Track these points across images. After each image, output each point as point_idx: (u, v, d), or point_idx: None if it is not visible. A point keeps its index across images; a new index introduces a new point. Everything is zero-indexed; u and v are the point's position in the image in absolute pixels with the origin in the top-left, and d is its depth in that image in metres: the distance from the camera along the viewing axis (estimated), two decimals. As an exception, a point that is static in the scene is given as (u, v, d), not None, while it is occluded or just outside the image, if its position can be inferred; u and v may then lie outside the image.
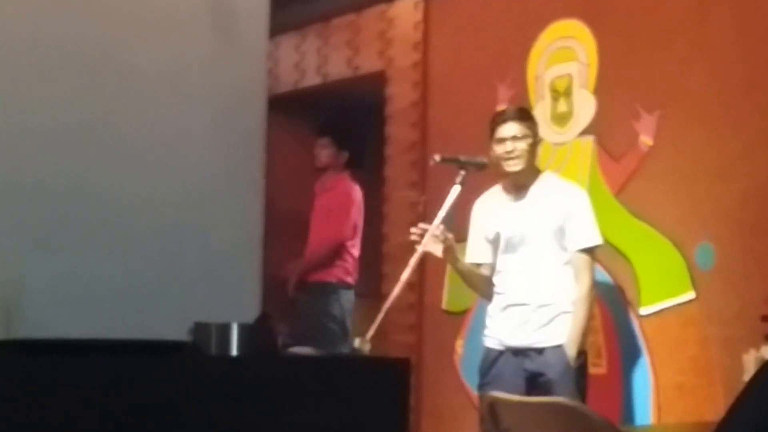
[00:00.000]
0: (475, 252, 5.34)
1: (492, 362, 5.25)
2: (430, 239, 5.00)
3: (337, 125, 7.67)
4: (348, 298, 7.46)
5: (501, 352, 5.21)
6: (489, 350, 5.27)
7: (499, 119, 5.23)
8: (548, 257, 5.10)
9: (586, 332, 5.09)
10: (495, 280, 5.26)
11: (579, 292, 5.04)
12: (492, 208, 5.30)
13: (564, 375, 4.99)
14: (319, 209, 7.41)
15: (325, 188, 7.55)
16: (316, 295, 7.23)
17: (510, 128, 5.15)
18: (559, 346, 5.02)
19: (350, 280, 7.50)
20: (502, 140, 5.15)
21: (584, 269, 5.07)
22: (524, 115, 5.26)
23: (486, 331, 5.30)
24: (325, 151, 7.56)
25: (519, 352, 5.14)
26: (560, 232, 5.08)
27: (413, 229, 5.01)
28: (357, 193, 7.54)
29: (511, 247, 5.20)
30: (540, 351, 5.08)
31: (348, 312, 7.46)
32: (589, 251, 5.10)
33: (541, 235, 5.12)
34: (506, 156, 5.13)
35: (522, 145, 5.13)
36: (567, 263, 5.09)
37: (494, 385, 5.09)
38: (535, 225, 5.14)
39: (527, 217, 5.17)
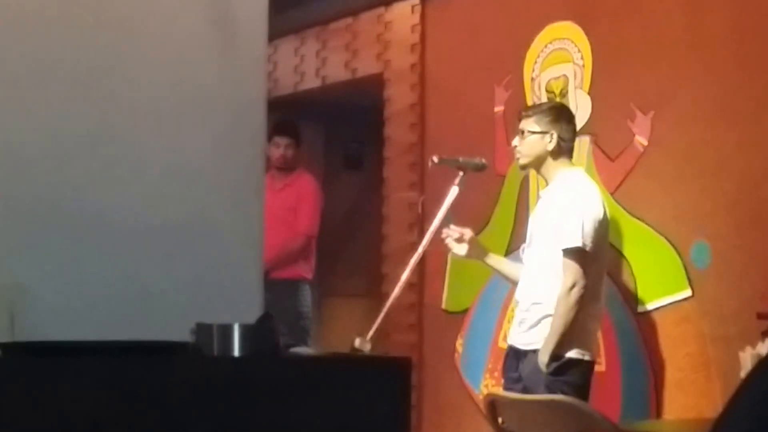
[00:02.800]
0: None
1: (504, 359, 5.29)
2: (452, 241, 5.11)
3: (292, 125, 7.79)
4: (309, 294, 7.56)
5: (509, 350, 5.25)
6: (507, 346, 5.32)
7: (519, 114, 5.33)
8: (546, 256, 5.09)
9: (576, 336, 4.99)
10: None
11: (558, 295, 4.98)
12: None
13: (535, 382, 4.95)
14: (275, 205, 7.34)
15: (284, 184, 7.64)
16: (281, 294, 7.10)
17: (522, 123, 5.22)
18: (536, 352, 4.98)
19: (311, 276, 7.60)
20: (519, 133, 5.23)
21: (565, 270, 4.98)
22: (546, 112, 5.26)
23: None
24: (289, 151, 7.71)
25: (516, 352, 5.16)
26: (555, 231, 5.06)
27: (445, 233, 5.10)
28: (318, 188, 7.78)
29: (529, 242, 5.25)
30: (525, 353, 5.08)
31: (311, 308, 7.59)
32: (572, 253, 4.99)
33: (542, 233, 5.13)
34: (515, 149, 5.24)
35: (525, 141, 5.17)
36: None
37: (505, 382, 5.16)
38: (541, 221, 5.16)
39: (539, 212, 5.21)
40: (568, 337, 4.96)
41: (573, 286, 4.95)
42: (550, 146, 5.16)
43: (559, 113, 5.30)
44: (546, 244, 5.09)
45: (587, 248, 5.00)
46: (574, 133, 5.31)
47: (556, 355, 4.95)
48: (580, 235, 4.99)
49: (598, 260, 5.11)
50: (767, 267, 5.10)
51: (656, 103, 5.63)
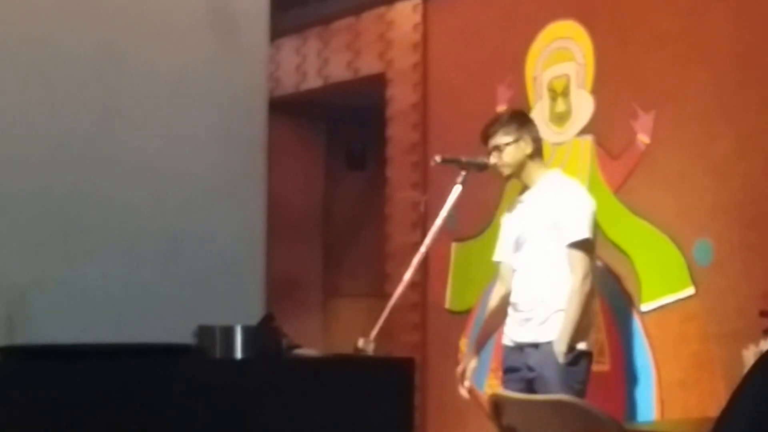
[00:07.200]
0: (498, 251, 5.46)
1: (504, 359, 5.32)
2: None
3: None
4: None
5: (511, 349, 5.27)
6: (504, 347, 5.36)
7: (483, 134, 5.36)
8: (546, 254, 5.14)
9: (584, 329, 5.07)
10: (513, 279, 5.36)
11: (570, 288, 5.06)
12: (510, 209, 5.42)
13: (552, 372, 5.01)
14: None
15: None
16: None
17: (492, 141, 5.29)
18: (550, 343, 5.05)
19: None
20: (490, 152, 5.29)
21: (575, 264, 5.07)
22: (509, 121, 5.34)
23: (504, 329, 5.36)
24: None
25: (522, 350, 5.19)
26: (556, 229, 5.12)
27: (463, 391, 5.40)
28: None
29: (518, 246, 5.29)
30: (536, 348, 5.12)
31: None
32: (581, 246, 5.08)
33: (539, 232, 5.18)
34: (495, 165, 5.27)
35: (504, 153, 5.24)
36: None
37: (507, 382, 5.22)
38: (534, 223, 5.21)
39: (528, 215, 5.25)
40: (578, 328, 5.05)
41: (585, 277, 5.06)
42: (528, 149, 5.27)
43: (521, 118, 5.43)
44: (544, 243, 5.15)
45: (592, 239, 5.13)
46: (538, 131, 5.39)
47: (570, 346, 5.03)
48: (586, 227, 5.10)
49: (594, 254, 5.22)
50: (770, 265, 5.11)
51: (658, 101, 5.63)
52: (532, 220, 5.23)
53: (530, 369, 5.13)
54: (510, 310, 5.32)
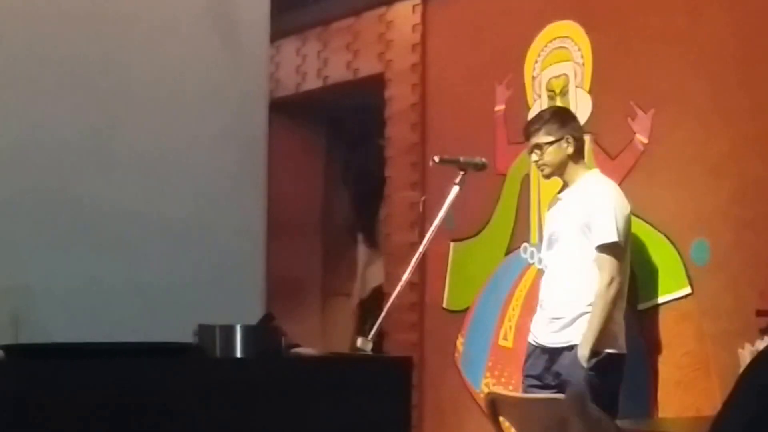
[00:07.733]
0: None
1: (527, 358, 5.36)
2: None
3: None
4: None
5: (534, 348, 5.30)
6: (529, 345, 5.40)
7: (525, 131, 5.42)
8: (575, 255, 5.18)
9: (612, 333, 5.09)
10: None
11: (596, 291, 5.08)
12: (551, 205, 5.51)
13: (575, 376, 5.02)
14: None
15: None
16: None
17: (534, 139, 5.35)
18: (575, 346, 5.06)
19: None
20: (531, 150, 5.36)
21: (602, 267, 5.10)
22: (551, 120, 5.38)
23: (531, 326, 5.39)
24: None
25: (546, 351, 5.22)
26: (587, 231, 5.16)
27: None
28: None
29: (549, 245, 5.35)
30: (561, 351, 5.15)
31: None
32: (609, 249, 5.10)
33: (570, 232, 5.21)
34: (536, 164, 5.37)
35: (545, 152, 5.30)
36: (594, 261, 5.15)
37: (527, 381, 5.26)
38: (566, 223, 5.25)
39: (561, 215, 5.31)
40: (604, 332, 5.07)
41: (611, 282, 5.08)
42: (570, 150, 5.31)
43: (564, 116, 5.45)
44: (574, 243, 5.17)
45: (621, 243, 5.14)
46: (581, 128, 5.47)
47: (595, 351, 5.05)
48: (615, 231, 5.12)
49: (626, 257, 5.24)
50: (766, 264, 5.11)
51: (657, 101, 5.64)
52: (565, 219, 5.28)
53: (556, 375, 5.14)
54: (538, 307, 5.36)
